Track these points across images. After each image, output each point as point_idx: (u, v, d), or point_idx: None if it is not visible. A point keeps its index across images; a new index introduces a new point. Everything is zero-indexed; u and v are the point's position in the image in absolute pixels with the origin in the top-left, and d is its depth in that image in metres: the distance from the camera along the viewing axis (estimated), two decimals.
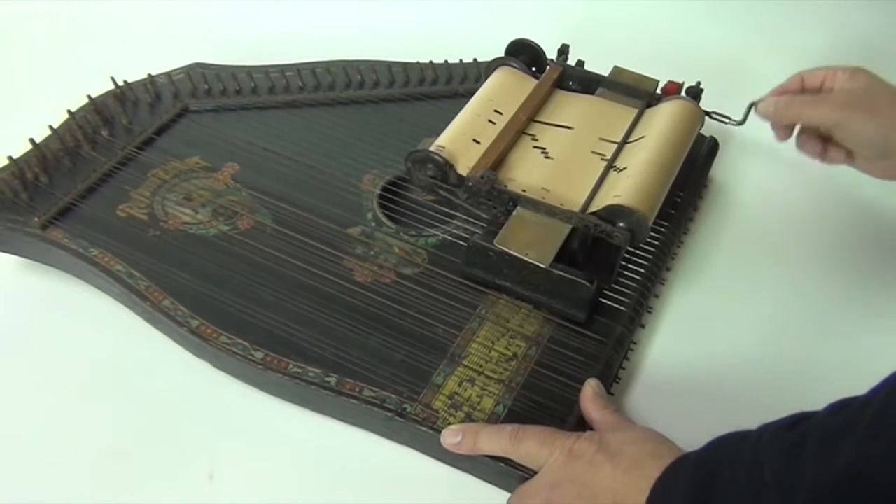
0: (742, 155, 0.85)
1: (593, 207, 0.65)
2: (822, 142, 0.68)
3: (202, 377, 0.64)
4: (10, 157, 0.74)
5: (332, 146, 0.80)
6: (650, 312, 0.69)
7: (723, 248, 0.76)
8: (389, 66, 0.87)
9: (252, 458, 0.61)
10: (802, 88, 0.69)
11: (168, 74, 0.86)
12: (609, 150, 0.71)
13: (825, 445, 0.43)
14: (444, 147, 0.69)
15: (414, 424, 0.59)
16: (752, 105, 0.70)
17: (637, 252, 0.70)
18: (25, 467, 0.60)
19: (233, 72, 0.86)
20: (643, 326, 0.69)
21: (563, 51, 0.79)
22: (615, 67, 0.79)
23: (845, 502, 0.42)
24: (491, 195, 0.67)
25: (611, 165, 0.69)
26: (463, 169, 0.68)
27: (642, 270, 0.69)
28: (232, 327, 0.64)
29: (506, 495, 0.58)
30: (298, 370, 0.61)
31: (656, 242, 0.71)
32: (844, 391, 0.46)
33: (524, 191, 0.67)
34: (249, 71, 0.86)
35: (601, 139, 0.72)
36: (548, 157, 0.70)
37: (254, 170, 0.77)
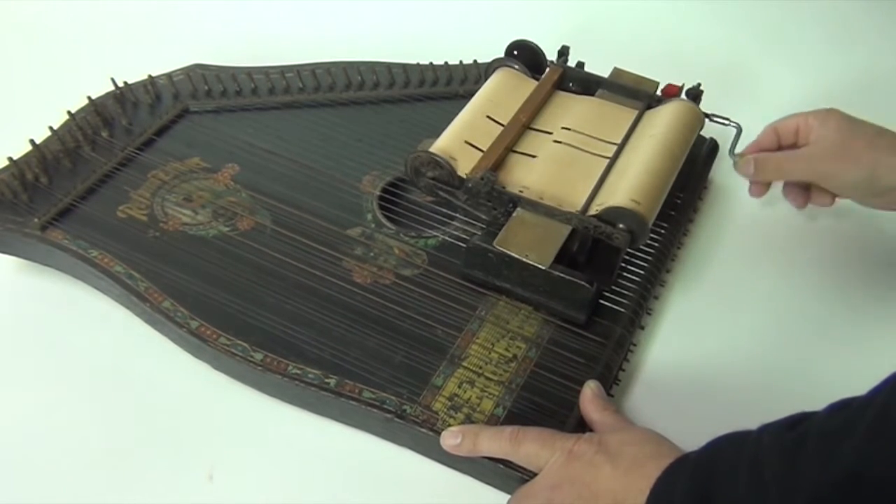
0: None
1: (593, 209, 0.65)
2: (805, 191, 0.69)
3: (202, 378, 0.64)
4: (10, 158, 0.74)
5: (331, 147, 0.80)
6: (650, 314, 0.69)
7: (722, 249, 0.76)
8: (389, 67, 0.87)
9: (252, 459, 0.60)
10: (778, 144, 0.69)
11: (168, 75, 0.86)
12: (609, 152, 0.71)
13: (825, 446, 0.43)
14: (443, 148, 0.69)
15: (413, 426, 0.59)
16: (732, 154, 0.70)
17: (637, 254, 0.70)
18: (25, 467, 0.60)
19: (233, 73, 0.86)
20: (643, 328, 0.69)
21: (563, 52, 0.79)
22: (615, 69, 0.79)
23: (845, 503, 0.42)
24: (491, 196, 0.67)
25: (610, 167, 0.69)
26: (463, 170, 0.68)
27: (642, 272, 0.69)
28: (231, 328, 0.64)
29: (505, 497, 0.58)
30: (298, 371, 0.61)
31: (656, 244, 0.71)
32: (844, 392, 0.46)
33: (524, 192, 0.67)
34: (249, 72, 0.86)
35: (601, 141, 0.72)
36: (548, 159, 0.70)
37: (254, 171, 0.77)
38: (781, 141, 0.69)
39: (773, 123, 0.69)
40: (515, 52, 0.79)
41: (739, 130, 0.72)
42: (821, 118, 0.66)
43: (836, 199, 0.69)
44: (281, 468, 0.60)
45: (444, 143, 0.70)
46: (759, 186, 0.71)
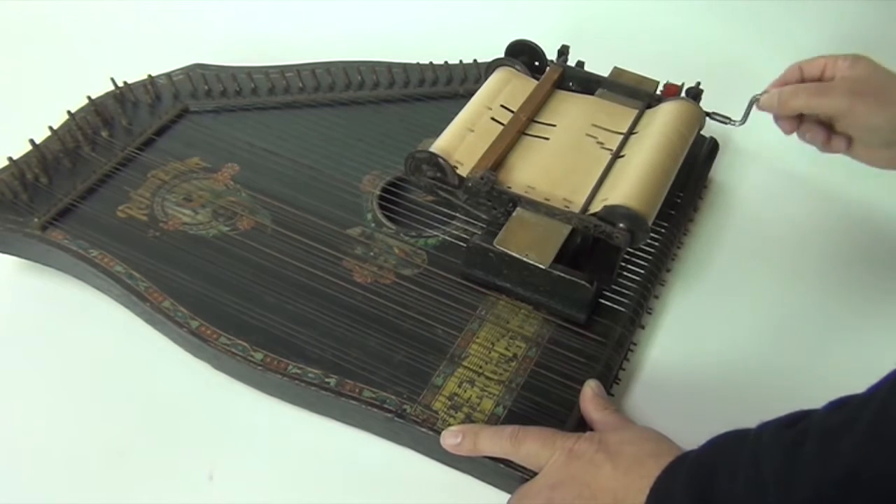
0: (742, 156, 0.85)
1: (593, 208, 0.65)
2: (826, 130, 0.67)
3: (202, 378, 0.64)
4: (10, 158, 0.74)
5: (331, 147, 0.80)
6: (650, 313, 0.69)
7: (722, 248, 0.76)
8: (389, 66, 0.87)
9: (252, 459, 0.60)
10: (802, 79, 0.68)
11: (168, 75, 0.86)
12: (609, 151, 0.71)
13: (825, 443, 0.43)
14: (443, 148, 0.69)
15: (414, 425, 0.59)
16: (752, 101, 0.69)
17: (637, 253, 0.70)
18: (25, 467, 0.60)
19: (233, 72, 0.86)
20: (643, 327, 0.69)
21: (563, 51, 0.79)
22: (615, 68, 0.79)
23: (844, 500, 0.42)
24: (491, 196, 0.67)
25: (611, 166, 0.69)
26: (463, 170, 0.68)
27: (642, 271, 0.69)
28: (232, 328, 0.64)
29: (506, 496, 0.58)
30: (298, 371, 0.61)
31: (656, 243, 0.71)
32: (844, 390, 0.46)
33: (523, 191, 0.67)
34: (249, 72, 0.86)
35: (601, 140, 0.72)
36: (548, 158, 0.70)
37: (254, 170, 0.77)
38: (805, 78, 0.67)
39: (797, 62, 0.68)
40: (515, 52, 0.79)
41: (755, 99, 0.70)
42: (851, 60, 0.65)
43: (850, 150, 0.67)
44: (281, 468, 0.60)
45: (444, 143, 0.70)
46: (788, 121, 0.68)
